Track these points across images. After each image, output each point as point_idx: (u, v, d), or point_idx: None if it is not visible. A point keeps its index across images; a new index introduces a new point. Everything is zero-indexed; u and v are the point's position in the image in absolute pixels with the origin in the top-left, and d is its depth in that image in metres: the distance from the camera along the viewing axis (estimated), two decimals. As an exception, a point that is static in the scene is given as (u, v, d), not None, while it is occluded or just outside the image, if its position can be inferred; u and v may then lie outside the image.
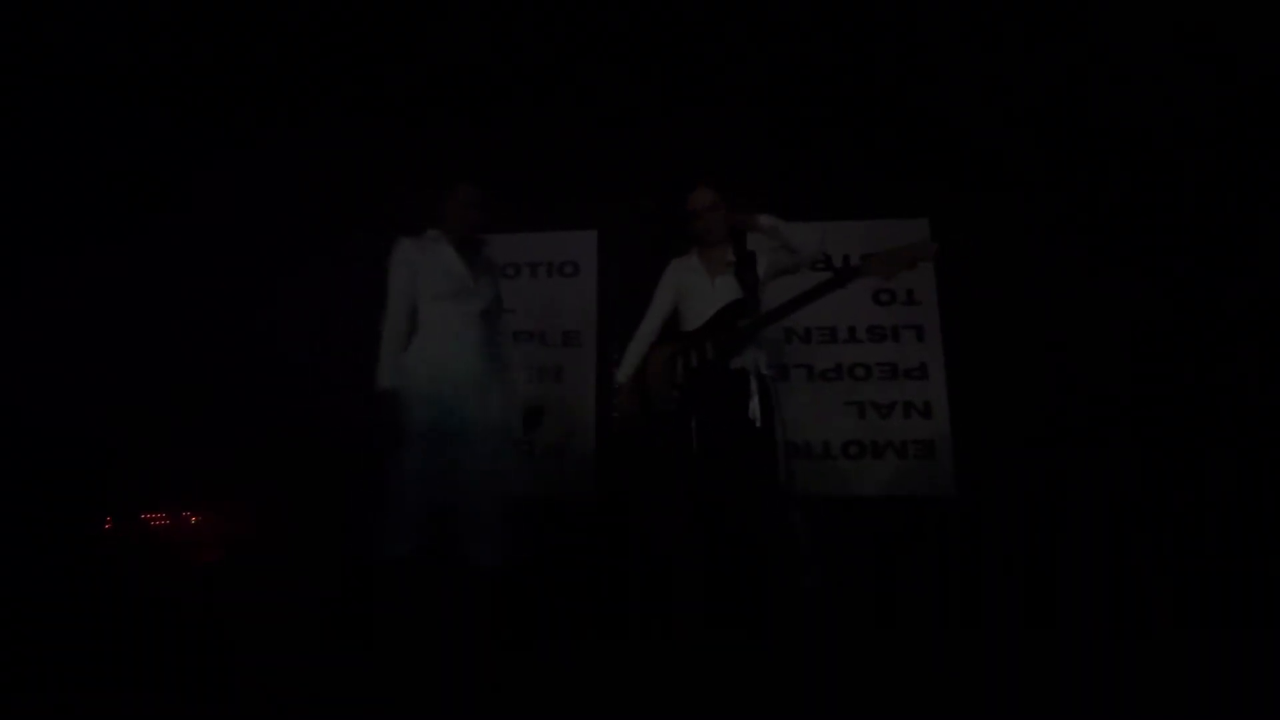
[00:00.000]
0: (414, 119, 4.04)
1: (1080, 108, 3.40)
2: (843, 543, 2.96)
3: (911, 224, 3.84)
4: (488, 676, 2.35)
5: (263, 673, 2.51)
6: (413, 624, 2.26)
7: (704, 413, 2.29)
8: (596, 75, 3.90)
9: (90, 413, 3.73)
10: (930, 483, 3.67)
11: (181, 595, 3.20)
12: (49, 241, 3.81)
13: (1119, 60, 3.30)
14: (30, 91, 3.63)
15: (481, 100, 4.01)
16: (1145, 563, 3.00)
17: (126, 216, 3.99)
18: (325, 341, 3.90)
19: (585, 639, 2.83)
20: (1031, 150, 3.66)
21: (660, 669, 2.27)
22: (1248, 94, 3.12)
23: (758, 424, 2.22)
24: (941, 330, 3.81)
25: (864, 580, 2.93)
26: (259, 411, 3.81)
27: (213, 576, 3.35)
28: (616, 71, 3.87)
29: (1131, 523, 3.10)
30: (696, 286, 2.45)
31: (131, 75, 3.66)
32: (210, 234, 4.06)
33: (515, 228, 4.08)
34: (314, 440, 3.73)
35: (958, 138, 3.72)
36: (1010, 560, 3.14)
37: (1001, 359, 3.55)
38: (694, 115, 3.90)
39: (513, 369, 2.58)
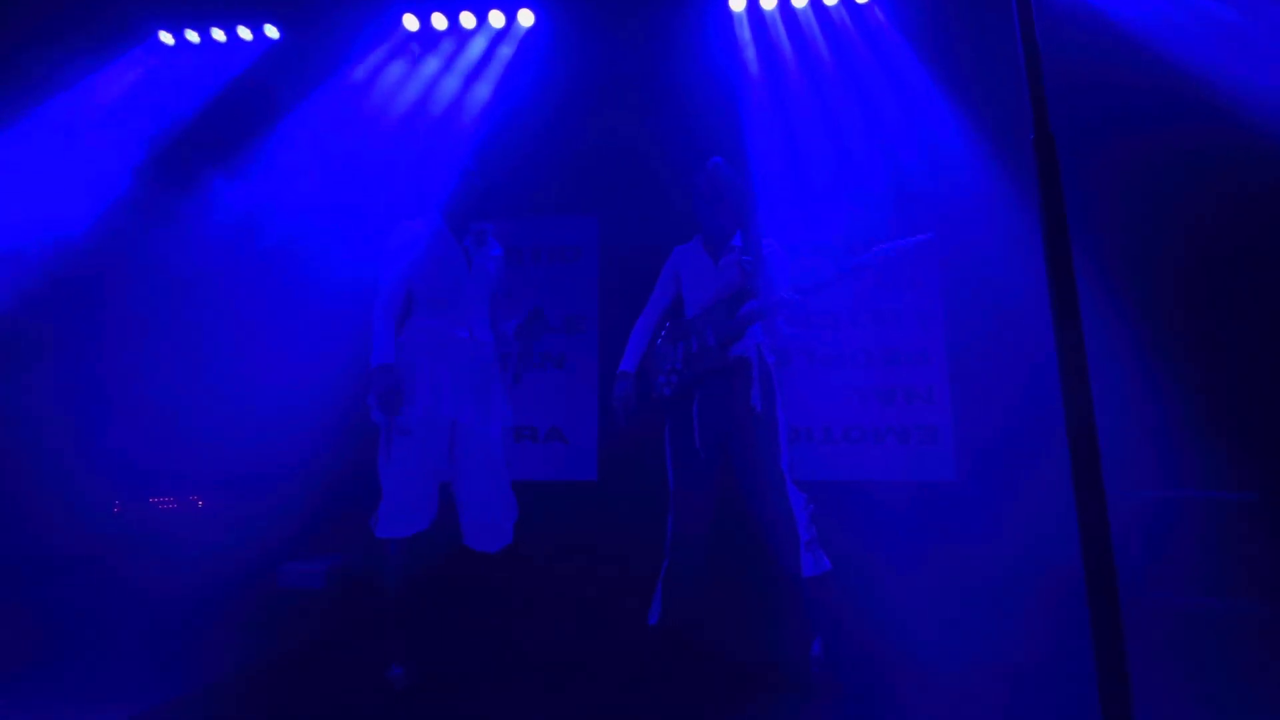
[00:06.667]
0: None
1: (1086, 95, 3.35)
2: (845, 528, 2.98)
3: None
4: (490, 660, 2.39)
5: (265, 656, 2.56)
6: (415, 603, 2.29)
7: (705, 399, 2.29)
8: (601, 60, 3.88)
9: (98, 402, 3.76)
10: (932, 467, 3.69)
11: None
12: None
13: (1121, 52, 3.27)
14: None
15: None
16: (1147, 550, 3.01)
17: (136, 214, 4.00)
18: (324, 327, 3.92)
19: (586, 623, 2.87)
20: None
21: (660, 653, 2.30)
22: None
23: (759, 410, 2.23)
24: (943, 315, 3.81)
25: (866, 564, 2.96)
26: (262, 398, 3.82)
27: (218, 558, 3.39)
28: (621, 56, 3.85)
29: (1133, 506, 3.11)
30: (699, 272, 2.44)
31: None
32: (207, 227, 4.07)
33: (516, 212, 4.07)
34: (313, 426, 3.75)
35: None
36: (1012, 545, 3.16)
37: (1003, 343, 3.54)
38: (697, 100, 3.87)
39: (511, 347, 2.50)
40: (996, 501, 3.37)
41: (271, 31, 3.98)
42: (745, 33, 3.86)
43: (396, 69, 4.07)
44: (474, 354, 2.35)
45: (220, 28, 3.98)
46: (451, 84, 4.04)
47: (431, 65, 4.06)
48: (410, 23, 3.90)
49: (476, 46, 4.00)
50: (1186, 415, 3.06)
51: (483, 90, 4.00)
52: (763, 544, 2.25)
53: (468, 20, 3.92)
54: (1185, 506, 2.99)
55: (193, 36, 4.00)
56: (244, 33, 3.99)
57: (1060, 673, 2.13)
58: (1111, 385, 2.67)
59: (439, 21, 3.90)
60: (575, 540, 3.56)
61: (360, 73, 4.04)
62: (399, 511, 2.21)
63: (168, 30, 3.98)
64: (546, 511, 2.54)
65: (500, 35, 3.99)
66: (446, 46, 4.05)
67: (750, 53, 3.87)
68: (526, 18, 3.90)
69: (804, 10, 3.83)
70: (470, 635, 2.63)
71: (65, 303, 3.88)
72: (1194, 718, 1.84)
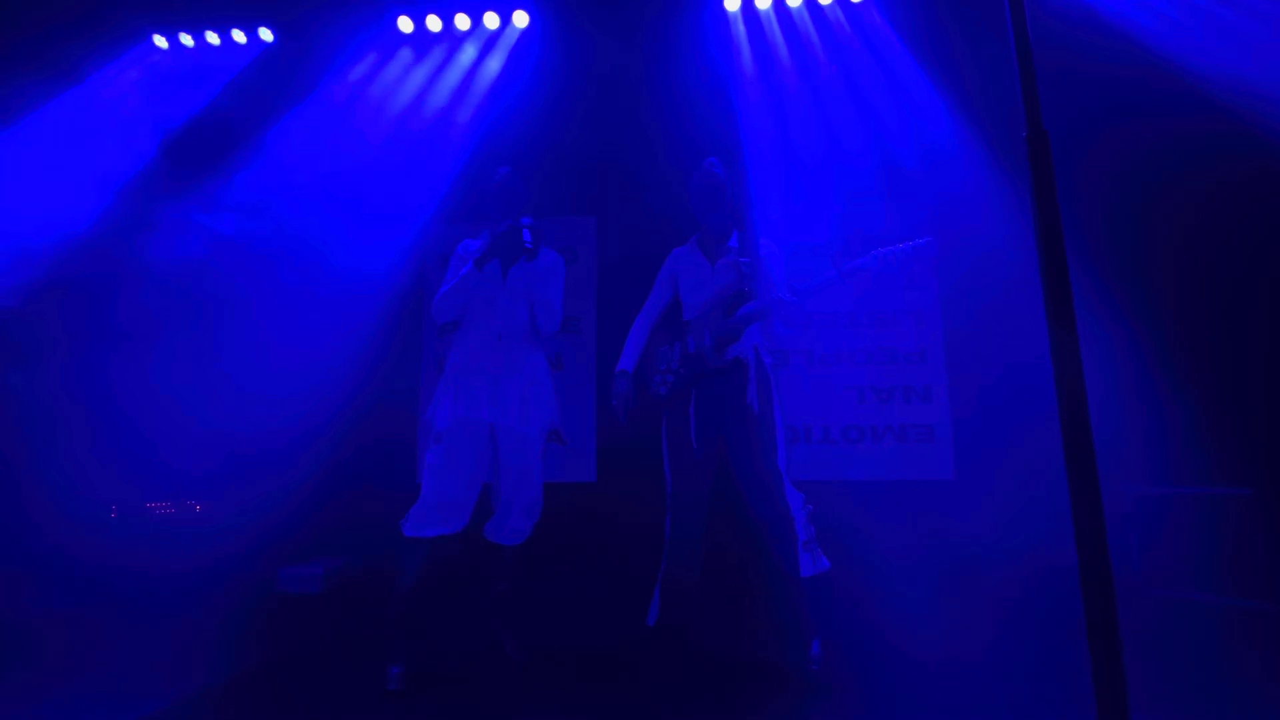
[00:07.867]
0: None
1: (1081, 93, 3.36)
2: (844, 527, 2.99)
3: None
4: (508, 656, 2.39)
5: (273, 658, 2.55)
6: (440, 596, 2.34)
7: (702, 399, 2.29)
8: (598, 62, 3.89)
9: (95, 406, 3.75)
10: (930, 466, 3.69)
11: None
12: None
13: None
14: None
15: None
16: (1143, 546, 3.02)
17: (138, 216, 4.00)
18: (325, 333, 3.92)
19: (585, 624, 2.87)
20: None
21: (659, 654, 2.30)
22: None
23: (756, 410, 2.23)
24: (941, 314, 3.81)
25: (865, 564, 2.96)
26: (259, 403, 3.82)
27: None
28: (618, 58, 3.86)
29: (1129, 502, 3.12)
30: (696, 274, 2.44)
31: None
32: (219, 231, 4.07)
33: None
34: (311, 431, 3.75)
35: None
36: (1010, 543, 3.17)
37: (1001, 342, 3.55)
38: (693, 100, 3.88)
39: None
40: (994, 500, 3.38)
41: (266, 34, 3.98)
42: (740, 32, 3.87)
43: (392, 71, 4.07)
44: (511, 360, 2.41)
45: (214, 31, 3.97)
46: (448, 86, 4.04)
47: (428, 67, 4.06)
48: (405, 25, 3.90)
49: (472, 48, 4.01)
50: (1181, 411, 3.07)
51: (478, 92, 4.00)
52: (761, 544, 2.25)
53: (462, 22, 3.92)
54: (1180, 502, 3.00)
55: (187, 40, 3.99)
56: (238, 36, 3.99)
57: (1057, 669, 2.13)
58: (1107, 382, 2.68)
59: (434, 23, 3.90)
60: (574, 541, 3.56)
61: (355, 75, 4.03)
62: (426, 513, 2.29)
63: (162, 34, 3.97)
64: (545, 512, 2.55)
65: (495, 36, 3.99)
66: (442, 48, 4.04)
67: (745, 52, 3.87)
68: (521, 19, 3.91)
69: (798, 9, 3.83)
70: (468, 635, 2.63)
71: (57, 306, 3.86)
72: (1189, 712, 1.84)
